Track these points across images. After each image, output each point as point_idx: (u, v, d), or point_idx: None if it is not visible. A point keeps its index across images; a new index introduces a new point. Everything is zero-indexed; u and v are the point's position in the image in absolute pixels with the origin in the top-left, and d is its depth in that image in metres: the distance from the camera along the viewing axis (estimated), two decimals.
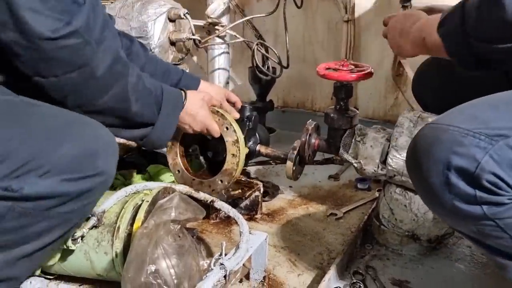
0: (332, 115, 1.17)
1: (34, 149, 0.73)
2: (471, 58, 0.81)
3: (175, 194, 0.83)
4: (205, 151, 1.31)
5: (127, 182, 1.40)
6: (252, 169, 1.60)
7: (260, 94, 1.93)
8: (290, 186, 1.55)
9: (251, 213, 1.34)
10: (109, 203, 0.94)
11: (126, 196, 0.98)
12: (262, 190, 1.35)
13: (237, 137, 1.15)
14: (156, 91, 0.99)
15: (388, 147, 1.12)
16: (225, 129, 1.16)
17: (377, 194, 1.46)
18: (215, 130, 1.15)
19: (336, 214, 1.35)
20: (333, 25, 1.90)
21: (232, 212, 1.01)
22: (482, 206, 0.69)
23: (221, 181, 1.21)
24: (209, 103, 1.16)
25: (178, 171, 1.27)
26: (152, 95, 0.98)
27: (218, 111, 1.17)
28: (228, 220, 1.30)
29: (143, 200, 0.96)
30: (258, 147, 1.28)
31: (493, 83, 0.91)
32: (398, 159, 1.08)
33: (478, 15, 0.77)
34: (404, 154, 1.05)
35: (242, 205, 1.34)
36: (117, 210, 0.94)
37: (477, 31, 0.78)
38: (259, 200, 1.33)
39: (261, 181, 1.49)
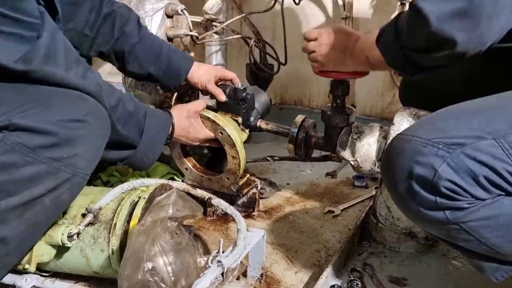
0: (328, 112, 1.17)
1: (33, 97, 0.78)
2: (408, 66, 0.86)
3: (172, 191, 0.83)
4: None
5: (123, 179, 1.40)
6: (249, 165, 1.60)
7: None
8: (288, 183, 1.54)
9: (248, 210, 1.33)
10: (105, 199, 0.93)
11: (122, 192, 0.97)
12: (259, 187, 1.34)
13: (233, 141, 1.15)
14: (137, 115, 1.00)
15: (385, 145, 1.12)
16: (220, 134, 1.15)
17: (374, 192, 1.46)
18: (212, 140, 1.18)
19: (333, 212, 1.35)
20: (331, 22, 1.89)
21: (230, 209, 1.00)
22: (444, 211, 0.73)
23: (228, 178, 1.21)
24: (196, 112, 1.16)
25: (186, 169, 1.27)
26: (133, 118, 0.99)
27: (209, 118, 1.16)
28: (225, 217, 1.30)
29: (140, 197, 0.95)
30: (258, 123, 1.27)
31: (473, 90, 0.94)
32: None
33: (408, 28, 0.81)
34: None
35: (239, 202, 1.33)
36: (114, 207, 0.93)
37: (409, 42, 0.82)
38: (256, 197, 1.33)
39: (258, 178, 1.49)
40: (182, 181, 1.37)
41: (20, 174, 0.75)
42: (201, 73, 1.24)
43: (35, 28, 0.80)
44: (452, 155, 0.71)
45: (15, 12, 0.77)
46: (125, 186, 0.98)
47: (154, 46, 1.22)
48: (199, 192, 1.05)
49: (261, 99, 1.32)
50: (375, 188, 1.48)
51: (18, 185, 0.76)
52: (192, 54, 2.31)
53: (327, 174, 1.62)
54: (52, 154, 0.77)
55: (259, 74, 1.81)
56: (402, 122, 1.08)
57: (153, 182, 1.02)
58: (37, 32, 0.80)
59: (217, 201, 1.03)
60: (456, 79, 1.15)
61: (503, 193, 0.71)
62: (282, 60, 1.74)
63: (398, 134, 0.82)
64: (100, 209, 0.92)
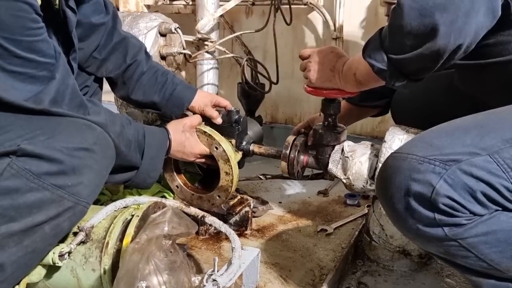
0: (320, 131, 1.17)
1: (41, 124, 0.79)
2: (393, 72, 0.87)
3: (167, 208, 0.82)
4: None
5: (114, 197, 1.38)
6: (241, 184, 1.59)
7: (249, 109, 1.93)
8: (280, 202, 1.54)
9: (241, 229, 1.32)
10: (97, 217, 0.92)
11: (115, 210, 0.96)
12: (252, 205, 1.33)
13: (228, 156, 1.15)
14: (138, 137, 1.02)
15: (377, 163, 1.13)
16: (214, 149, 1.15)
17: (366, 210, 1.46)
18: (206, 156, 1.18)
19: (326, 230, 1.34)
20: (321, 42, 1.92)
21: (224, 227, 1.00)
22: (443, 228, 0.73)
23: (219, 196, 1.20)
24: (192, 127, 1.16)
25: (177, 186, 1.26)
26: (135, 140, 1.01)
27: (205, 132, 1.16)
28: (218, 236, 1.29)
29: (133, 215, 0.94)
30: (251, 147, 1.28)
31: (461, 107, 0.98)
32: None
33: (390, 30, 0.84)
34: None
35: (232, 220, 1.32)
36: (106, 225, 0.92)
37: (390, 44, 0.84)
38: (249, 216, 1.32)
39: (251, 196, 1.48)
40: (173, 199, 1.36)
41: (23, 200, 0.74)
42: (198, 98, 1.25)
43: (49, 69, 0.82)
44: (449, 171, 0.71)
45: (30, 53, 0.78)
46: (118, 204, 0.97)
47: (159, 76, 1.24)
48: (193, 210, 1.05)
49: (255, 128, 1.33)
50: (367, 207, 1.48)
51: (20, 211, 0.74)
52: (183, 73, 2.34)
53: (319, 193, 1.62)
54: (57, 181, 0.76)
55: (251, 93, 1.82)
56: (394, 139, 1.09)
57: (146, 200, 1.01)
58: (50, 72, 0.82)
59: (211, 219, 1.02)
60: (441, 96, 1.18)
61: (500, 208, 0.72)
62: (274, 79, 1.75)
63: (392, 153, 0.82)
64: (92, 227, 0.90)
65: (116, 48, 1.18)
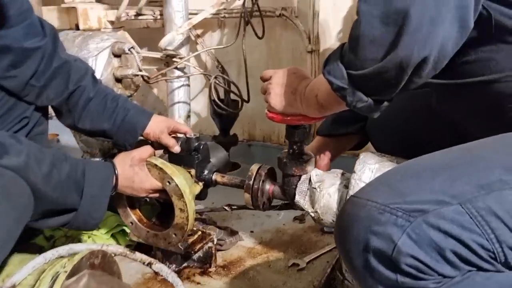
0: (284, 160, 1.06)
1: None
2: (355, 92, 0.75)
3: (84, 274, 0.71)
4: None
5: (69, 233, 1.27)
6: (209, 213, 1.48)
7: (223, 128, 1.83)
8: (251, 231, 1.43)
9: (204, 266, 1.21)
10: (22, 274, 0.81)
11: (45, 263, 0.85)
12: (215, 240, 1.22)
13: (181, 192, 1.03)
14: (75, 174, 0.92)
15: (346, 195, 1.02)
16: (167, 183, 1.04)
17: None
18: (159, 190, 1.08)
19: (298, 265, 1.23)
20: (297, 55, 1.82)
21: (171, 277, 0.89)
22: None
23: (175, 234, 1.09)
24: (141, 160, 1.06)
25: (131, 223, 1.15)
26: (71, 179, 0.91)
27: (155, 165, 1.05)
28: (179, 275, 1.17)
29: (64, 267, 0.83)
30: (214, 177, 1.17)
31: (440, 130, 0.87)
32: None
33: (350, 42, 0.72)
34: None
35: (195, 257, 1.21)
36: (32, 282, 0.81)
37: (350, 58, 0.73)
38: (213, 252, 1.21)
39: (218, 227, 1.37)
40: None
41: None
42: (153, 124, 1.15)
43: None
44: (413, 224, 0.60)
45: None
46: (48, 255, 0.86)
47: (109, 101, 1.13)
48: (138, 256, 0.94)
49: (219, 155, 1.22)
50: None
51: None
52: (155, 90, 2.23)
53: (295, 219, 1.51)
54: None
55: (223, 112, 1.71)
56: (364, 170, 0.98)
57: (84, 248, 0.90)
58: None
59: (158, 267, 0.91)
60: (419, 118, 1.07)
61: (474, 269, 0.61)
62: (246, 96, 1.64)
63: (352, 196, 0.71)
64: (14, 286, 0.79)
65: (57, 73, 1.07)
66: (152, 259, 0.93)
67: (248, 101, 1.62)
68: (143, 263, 0.94)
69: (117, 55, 1.29)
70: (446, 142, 0.85)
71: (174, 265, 1.21)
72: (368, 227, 0.63)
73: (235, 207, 1.25)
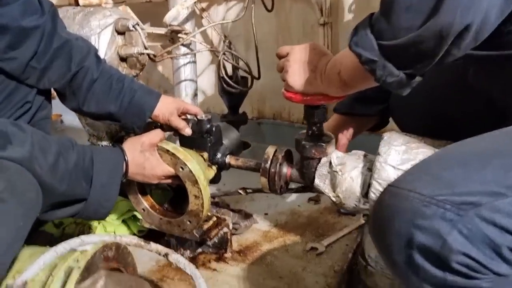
0: (303, 142, 1.00)
1: None
2: (387, 65, 0.68)
3: (100, 275, 0.66)
4: None
5: (78, 220, 1.23)
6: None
7: (232, 106, 1.76)
8: (266, 213, 1.38)
9: (220, 251, 1.17)
10: (32, 270, 0.76)
11: (56, 257, 0.80)
12: (231, 225, 1.18)
13: (196, 178, 0.98)
14: (83, 163, 0.86)
15: (370, 179, 0.96)
16: (180, 169, 0.99)
17: (363, 221, 1.31)
18: (172, 176, 1.02)
19: (317, 249, 1.19)
20: (308, 28, 1.73)
21: (189, 268, 0.84)
22: None
23: (190, 221, 1.05)
24: (152, 145, 0.99)
25: (143, 209, 1.10)
26: (78, 168, 0.85)
27: (167, 150, 0.99)
28: (194, 262, 1.13)
29: (78, 262, 0.78)
30: (227, 159, 1.12)
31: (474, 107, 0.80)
32: None
33: (382, 9, 0.66)
34: None
35: (210, 242, 1.17)
36: (44, 278, 0.76)
37: (382, 28, 0.67)
38: (228, 237, 1.16)
39: (232, 210, 1.32)
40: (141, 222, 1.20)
41: None
42: (162, 106, 1.08)
43: None
44: (464, 218, 0.55)
45: None
46: (60, 248, 0.80)
47: (114, 82, 1.07)
48: (153, 247, 0.89)
49: (231, 135, 1.16)
50: (364, 216, 1.32)
51: None
52: (160, 67, 2.15)
53: (310, 199, 1.46)
54: None
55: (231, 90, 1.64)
56: (389, 152, 0.92)
57: (96, 239, 0.85)
58: None
59: (174, 258, 0.86)
60: (449, 94, 1.00)
61: None
62: (256, 73, 1.57)
63: (390, 186, 0.65)
64: (26, 283, 0.75)
65: (58, 54, 1.00)
66: (168, 250, 0.88)
67: (258, 78, 1.55)
68: (159, 253, 0.89)
69: (120, 33, 1.22)
70: (483, 120, 0.79)
71: (188, 251, 1.17)
72: (411, 221, 0.58)
73: (250, 190, 1.20)
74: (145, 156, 0.98)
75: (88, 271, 0.75)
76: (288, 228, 1.30)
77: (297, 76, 0.90)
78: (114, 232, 1.24)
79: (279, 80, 1.96)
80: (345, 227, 1.29)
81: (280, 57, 0.96)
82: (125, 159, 0.96)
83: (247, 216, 1.32)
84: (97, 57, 1.07)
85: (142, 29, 1.24)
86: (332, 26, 1.63)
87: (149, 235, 1.22)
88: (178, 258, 0.87)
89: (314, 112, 0.98)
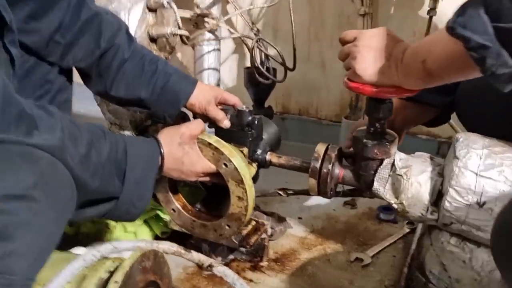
0: (365, 140, 0.88)
1: None
2: (503, 53, 0.58)
3: None
4: None
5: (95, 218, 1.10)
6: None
7: (258, 99, 1.63)
8: (300, 217, 1.26)
9: (255, 259, 1.05)
10: (58, 283, 0.63)
11: (85, 267, 0.67)
12: (269, 231, 1.05)
13: (241, 177, 0.86)
14: (116, 155, 0.74)
15: (441, 185, 0.85)
16: (223, 166, 0.86)
17: (406, 230, 1.19)
18: (212, 174, 0.90)
19: (362, 260, 1.07)
20: (344, 19, 1.61)
21: (239, 284, 0.71)
22: None
23: (229, 226, 0.92)
24: (192, 137, 0.87)
25: (174, 210, 0.98)
26: (111, 161, 0.73)
27: (210, 144, 0.87)
28: None
29: (111, 272, 0.66)
30: (268, 157, 0.99)
31: None
32: (459, 203, 0.80)
33: None
34: (469, 197, 0.79)
35: (243, 249, 1.04)
36: None
37: (501, 6, 0.56)
38: (266, 243, 1.04)
39: (264, 212, 1.20)
40: (170, 221, 1.08)
41: None
42: (199, 93, 0.95)
43: None
44: None
45: None
46: (89, 257, 0.68)
47: (147, 63, 0.94)
48: (195, 257, 0.76)
49: (270, 130, 1.04)
50: (407, 224, 1.21)
51: None
52: (179, 54, 2.00)
53: (346, 203, 1.34)
54: None
55: (261, 81, 1.51)
56: (470, 156, 0.81)
57: (130, 246, 0.73)
58: None
59: (221, 271, 0.74)
60: None
61: None
62: (289, 64, 1.44)
63: None
64: None
65: (86, 28, 0.87)
66: (212, 261, 0.76)
67: (293, 69, 1.43)
68: (201, 264, 0.77)
69: (152, 10, 1.08)
70: None
71: (220, 258, 1.05)
72: None
73: (291, 191, 1.07)
74: (184, 150, 0.85)
75: (126, 286, 0.62)
76: (326, 235, 1.18)
77: (367, 64, 0.78)
78: (135, 233, 1.11)
79: (307, 74, 1.81)
80: (388, 235, 1.17)
81: (344, 42, 0.83)
82: (161, 153, 0.83)
83: (280, 219, 1.20)
84: (129, 34, 0.94)
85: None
86: (372, 17, 1.51)
87: (171, 237, 1.10)
88: (225, 271, 0.74)
89: (380, 107, 0.86)
